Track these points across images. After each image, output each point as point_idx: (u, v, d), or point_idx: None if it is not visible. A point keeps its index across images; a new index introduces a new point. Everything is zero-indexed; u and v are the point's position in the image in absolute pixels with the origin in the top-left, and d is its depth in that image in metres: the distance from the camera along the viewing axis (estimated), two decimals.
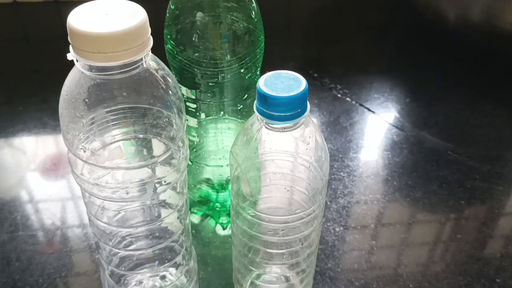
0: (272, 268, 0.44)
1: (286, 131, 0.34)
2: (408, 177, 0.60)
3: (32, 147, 0.64)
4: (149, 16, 0.30)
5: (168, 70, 0.33)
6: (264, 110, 0.33)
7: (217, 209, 0.52)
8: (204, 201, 0.52)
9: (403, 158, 0.62)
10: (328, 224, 0.54)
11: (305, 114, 0.33)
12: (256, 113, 0.34)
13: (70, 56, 0.30)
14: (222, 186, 0.50)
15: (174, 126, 0.33)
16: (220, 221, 0.53)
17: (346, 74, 0.77)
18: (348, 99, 0.71)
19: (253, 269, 0.43)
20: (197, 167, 0.49)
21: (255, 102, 0.34)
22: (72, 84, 0.31)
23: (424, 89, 0.75)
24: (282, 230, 0.39)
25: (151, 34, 0.31)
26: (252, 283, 0.44)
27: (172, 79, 0.33)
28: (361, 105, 0.70)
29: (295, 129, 0.34)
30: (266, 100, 0.32)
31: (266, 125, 0.34)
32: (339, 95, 0.72)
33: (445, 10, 0.76)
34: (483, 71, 0.77)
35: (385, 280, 0.49)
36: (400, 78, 0.78)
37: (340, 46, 0.85)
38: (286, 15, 0.92)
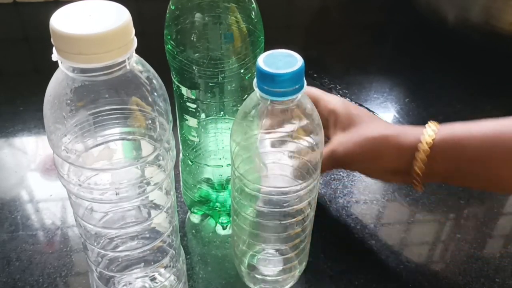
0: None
1: (290, 107, 0.36)
2: None
3: (32, 147, 0.64)
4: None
5: (154, 71, 0.33)
6: (270, 89, 0.34)
7: (217, 209, 0.52)
8: (204, 201, 0.52)
9: None
10: (328, 223, 0.54)
11: (304, 87, 0.35)
12: (259, 92, 0.35)
13: (54, 57, 0.30)
14: (222, 186, 0.50)
15: (158, 128, 0.33)
16: (220, 220, 0.53)
17: (346, 74, 0.77)
18: (347, 99, 0.71)
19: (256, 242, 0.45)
20: (197, 167, 0.49)
21: (255, 82, 0.35)
22: (56, 85, 0.31)
23: (423, 89, 0.75)
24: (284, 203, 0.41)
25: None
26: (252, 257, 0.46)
27: (157, 81, 0.33)
28: (360, 105, 0.70)
29: (295, 104, 0.36)
30: (273, 79, 0.34)
31: (270, 103, 0.36)
32: (338, 95, 0.72)
33: (445, 10, 0.76)
34: (482, 71, 0.77)
35: (385, 280, 0.49)
36: (399, 78, 0.78)
37: (340, 46, 0.85)
38: (286, 15, 0.93)
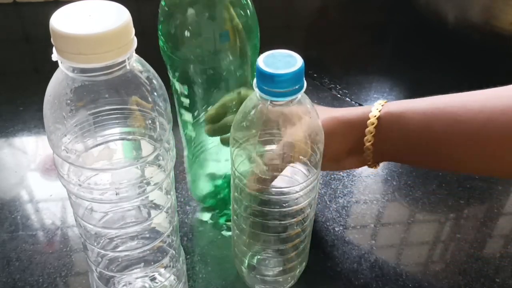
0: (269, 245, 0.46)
1: (290, 106, 0.36)
2: (408, 176, 0.60)
3: (32, 147, 0.64)
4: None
5: (154, 71, 0.33)
6: (269, 89, 0.34)
7: (220, 202, 0.52)
8: (207, 195, 0.52)
9: None
10: (328, 223, 0.54)
11: (304, 86, 0.35)
12: (259, 93, 0.35)
13: (54, 57, 0.30)
14: (222, 180, 0.50)
15: (158, 128, 0.33)
16: (223, 212, 0.53)
17: (346, 74, 0.77)
18: (347, 99, 0.71)
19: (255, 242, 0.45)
20: (197, 161, 0.49)
21: (255, 82, 0.35)
22: (56, 85, 0.31)
23: (423, 89, 0.74)
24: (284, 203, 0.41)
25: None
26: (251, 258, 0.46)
27: (157, 81, 0.33)
28: (360, 105, 0.70)
29: (295, 105, 0.36)
30: (273, 79, 0.34)
31: (270, 104, 0.36)
32: (338, 95, 0.72)
33: (445, 10, 0.76)
34: (482, 71, 0.77)
35: (385, 280, 0.49)
36: (399, 78, 0.78)
37: (340, 46, 0.85)
38: (286, 15, 0.93)
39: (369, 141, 0.45)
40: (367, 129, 0.45)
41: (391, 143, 0.45)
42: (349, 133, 0.46)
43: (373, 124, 0.44)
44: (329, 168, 0.54)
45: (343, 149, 0.47)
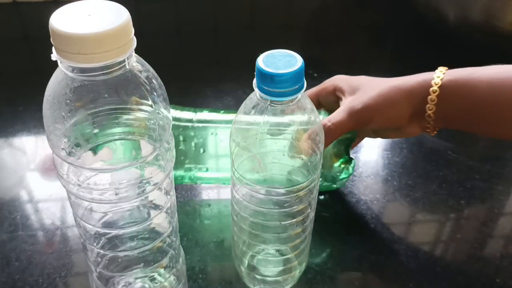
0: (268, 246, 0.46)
1: (290, 107, 0.36)
2: (408, 177, 0.60)
3: (32, 147, 0.64)
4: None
5: (153, 71, 0.33)
6: (269, 89, 0.34)
7: None
8: None
9: (403, 158, 0.62)
10: (328, 224, 0.54)
11: (304, 87, 0.35)
12: (259, 92, 0.35)
13: (54, 56, 0.29)
14: None
15: (158, 128, 0.33)
16: None
17: (346, 74, 0.77)
18: None
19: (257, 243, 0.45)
20: None
21: (254, 82, 0.35)
22: (55, 84, 0.31)
23: None
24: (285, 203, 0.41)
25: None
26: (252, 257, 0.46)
27: (156, 81, 0.33)
28: None
29: (295, 105, 0.36)
30: (273, 79, 0.34)
31: (270, 104, 0.36)
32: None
33: (445, 10, 0.76)
34: None
35: (385, 280, 0.49)
36: None
37: (340, 46, 0.85)
38: (286, 15, 0.92)
39: (431, 109, 0.46)
40: (429, 97, 0.46)
41: (454, 111, 0.46)
42: (410, 101, 0.47)
43: (435, 92, 0.45)
44: (391, 136, 0.55)
45: (404, 117, 0.48)
